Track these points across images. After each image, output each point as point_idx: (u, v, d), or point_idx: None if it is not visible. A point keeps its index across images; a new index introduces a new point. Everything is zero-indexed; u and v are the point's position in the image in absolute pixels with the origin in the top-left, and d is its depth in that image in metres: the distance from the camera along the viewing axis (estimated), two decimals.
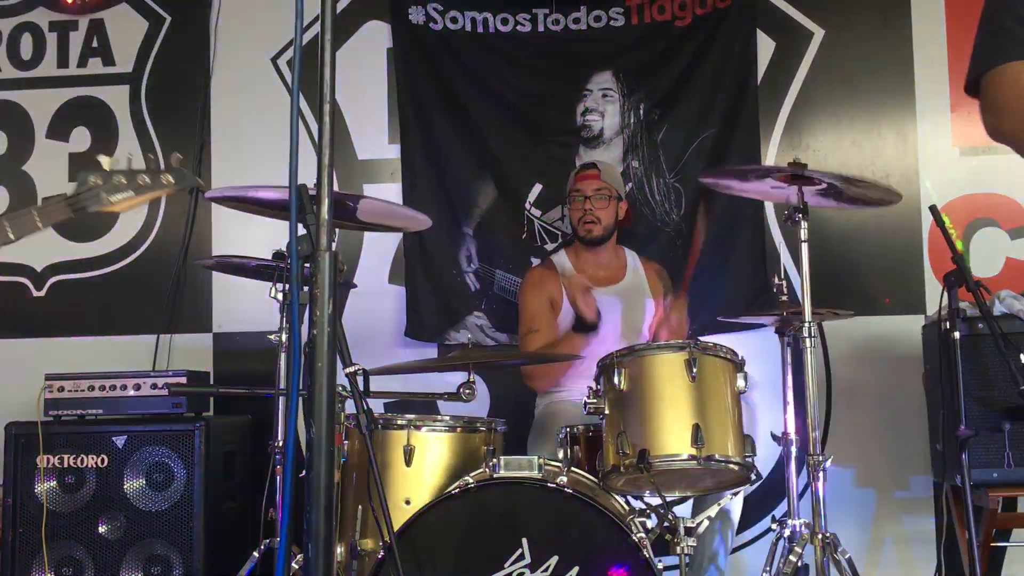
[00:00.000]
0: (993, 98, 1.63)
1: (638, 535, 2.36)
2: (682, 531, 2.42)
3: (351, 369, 2.22)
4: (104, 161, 1.86)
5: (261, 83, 4.01)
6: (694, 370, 2.46)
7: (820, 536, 2.62)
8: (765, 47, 3.87)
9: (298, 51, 1.40)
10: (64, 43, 4.14)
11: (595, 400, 2.54)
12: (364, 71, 4.00)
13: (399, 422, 2.75)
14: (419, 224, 2.81)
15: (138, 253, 4.06)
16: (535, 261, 3.79)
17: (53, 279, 4.08)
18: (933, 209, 3.06)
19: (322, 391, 1.28)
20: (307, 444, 1.25)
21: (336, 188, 2.43)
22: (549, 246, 3.84)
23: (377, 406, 3.50)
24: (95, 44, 4.13)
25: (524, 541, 2.31)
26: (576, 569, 2.30)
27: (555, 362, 3.27)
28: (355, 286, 3.72)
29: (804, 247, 2.69)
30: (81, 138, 4.10)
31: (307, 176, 1.60)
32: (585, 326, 3.15)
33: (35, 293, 4.08)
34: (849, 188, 2.78)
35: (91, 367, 3.51)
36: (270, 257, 2.87)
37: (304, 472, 1.31)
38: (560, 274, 3.42)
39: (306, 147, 3.58)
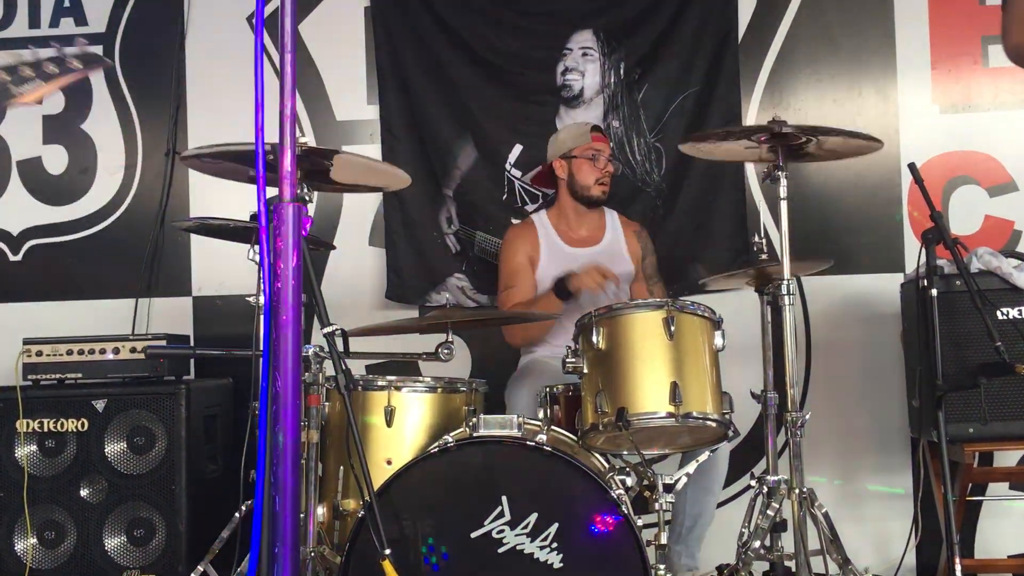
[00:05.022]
0: (1021, 14, 1.61)
1: (617, 492, 2.38)
2: (661, 488, 2.45)
3: (329, 329, 2.22)
4: (5, 56, 1.81)
5: (237, 43, 3.94)
6: (672, 328, 2.48)
7: (798, 492, 2.65)
8: (746, 4, 3.83)
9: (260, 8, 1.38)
10: (35, 3, 4.06)
11: (574, 359, 2.55)
12: (342, 30, 3.95)
13: (380, 383, 2.76)
14: (398, 181, 2.78)
15: (115, 216, 4.02)
16: (516, 222, 3.78)
17: (30, 243, 4.04)
18: (912, 167, 3.07)
19: (287, 345, 1.27)
20: (273, 399, 1.25)
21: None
22: (530, 207, 3.83)
23: (360, 367, 3.51)
24: (67, 4, 4.06)
25: (504, 499, 2.33)
26: (556, 526, 2.32)
27: (532, 321, 3.27)
28: (335, 247, 3.70)
29: (783, 205, 2.69)
30: (54, 100, 4.03)
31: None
32: (566, 293, 3.14)
33: (12, 258, 4.05)
34: (828, 142, 2.76)
35: (69, 331, 3.50)
36: (248, 219, 2.84)
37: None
38: (541, 234, 3.41)
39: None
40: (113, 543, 3.29)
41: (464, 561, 2.32)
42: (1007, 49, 1.67)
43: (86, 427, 3.29)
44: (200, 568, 2.91)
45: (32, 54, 1.68)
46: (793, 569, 2.67)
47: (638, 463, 2.58)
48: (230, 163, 2.60)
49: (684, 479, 2.54)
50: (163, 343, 3.38)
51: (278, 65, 3.88)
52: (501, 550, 2.31)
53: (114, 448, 3.30)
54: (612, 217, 3.51)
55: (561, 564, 2.30)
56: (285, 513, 1.19)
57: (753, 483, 2.79)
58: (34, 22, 4.06)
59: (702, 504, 3.03)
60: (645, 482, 2.53)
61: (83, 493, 3.30)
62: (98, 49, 4.02)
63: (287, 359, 1.26)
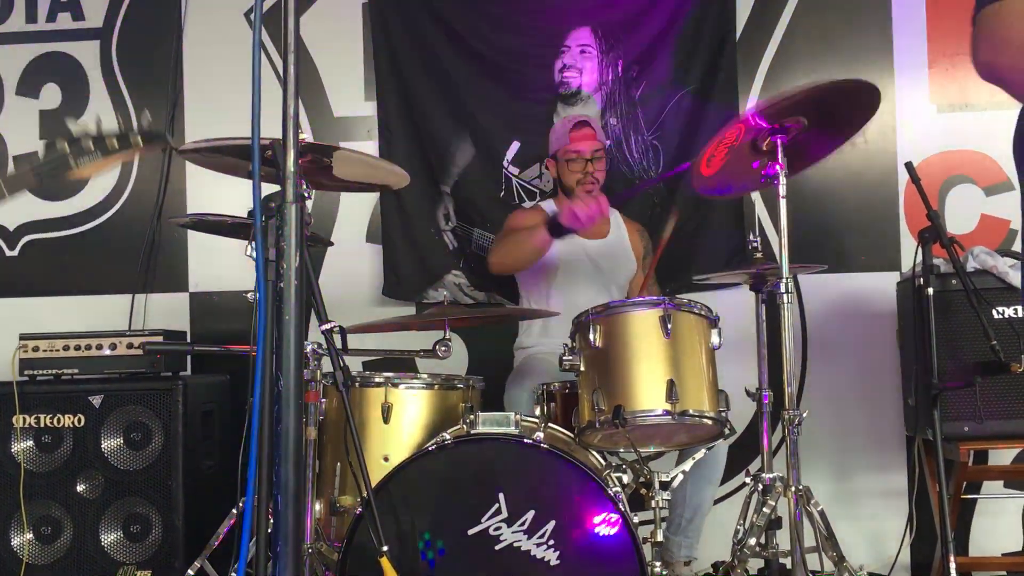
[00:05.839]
0: (992, 32, 1.60)
1: (614, 489, 2.39)
2: (657, 485, 2.45)
3: (327, 326, 2.22)
4: (72, 124, 1.82)
5: (234, 38, 3.94)
6: (669, 326, 2.48)
7: (793, 489, 2.65)
8: (744, 3, 3.83)
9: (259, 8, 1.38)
10: None
11: (571, 357, 2.55)
12: (340, 27, 3.95)
13: (377, 380, 2.77)
14: (397, 179, 2.78)
15: (112, 212, 4.02)
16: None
17: (26, 238, 4.04)
18: (909, 166, 3.07)
19: (290, 344, 1.27)
20: (275, 397, 1.25)
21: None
22: (527, 204, 3.83)
23: (356, 364, 3.51)
24: None
25: (501, 496, 2.33)
26: (552, 523, 2.32)
27: (530, 318, 3.27)
28: (332, 244, 3.70)
29: (782, 203, 2.69)
30: (51, 95, 4.03)
31: (278, 132, 1.58)
32: (560, 229, 3.02)
33: (8, 252, 4.04)
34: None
35: (66, 327, 3.50)
36: (245, 215, 2.84)
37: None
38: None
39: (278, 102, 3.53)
40: (110, 539, 3.29)
41: (461, 558, 2.33)
42: (977, 66, 1.65)
43: (83, 423, 3.29)
44: (197, 564, 2.92)
45: (96, 126, 1.68)
46: (788, 566, 2.67)
47: (634, 460, 2.59)
48: (228, 158, 2.59)
49: (680, 476, 2.55)
50: (160, 339, 3.37)
51: (277, 63, 3.84)
52: (498, 547, 2.32)
53: (111, 444, 3.29)
54: (615, 214, 3.52)
55: (558, 561, 2.31)
56: (287, 512, 1.19)
57: (748, 480, 2.79)
58: (31, 16, 4.05)
59: (702, 495, 3.04)
60: (641, 479, 2.54)
61: (79, 488, 3.30)
62: (94, 44, 4.02)
63: (290, 358, 1.27)
